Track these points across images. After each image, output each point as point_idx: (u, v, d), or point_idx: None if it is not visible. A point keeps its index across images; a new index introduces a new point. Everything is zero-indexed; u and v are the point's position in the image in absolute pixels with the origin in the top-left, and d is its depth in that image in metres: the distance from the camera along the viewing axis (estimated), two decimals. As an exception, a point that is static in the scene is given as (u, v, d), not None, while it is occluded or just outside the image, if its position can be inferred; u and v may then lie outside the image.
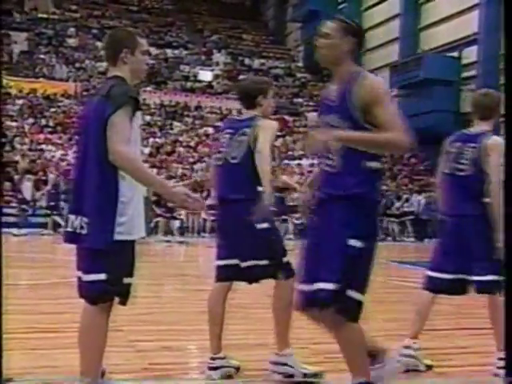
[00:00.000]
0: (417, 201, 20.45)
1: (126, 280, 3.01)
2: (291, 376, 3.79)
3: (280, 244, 3.88)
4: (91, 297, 2.98)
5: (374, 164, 2.94)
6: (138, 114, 3.03)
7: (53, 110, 24.15)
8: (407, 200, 20.48)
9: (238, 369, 3.85)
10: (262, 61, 33.44)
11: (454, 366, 4.19)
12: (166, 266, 10.96)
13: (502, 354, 3.62)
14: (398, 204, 20.15)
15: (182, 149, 23.02)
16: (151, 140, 22.81)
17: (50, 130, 22.58)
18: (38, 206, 16.86)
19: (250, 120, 3.87)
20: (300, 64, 34.86)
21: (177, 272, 9.66)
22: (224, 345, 3.84)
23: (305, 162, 23.20)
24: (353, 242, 2.87)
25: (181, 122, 26.00)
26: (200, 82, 30.17)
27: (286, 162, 22.95)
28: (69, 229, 3.03)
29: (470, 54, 23.84)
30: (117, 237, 2.93)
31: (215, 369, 3.76)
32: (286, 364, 3.81)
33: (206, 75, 30.79)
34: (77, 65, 28.52)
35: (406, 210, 20.11)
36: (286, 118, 28.38)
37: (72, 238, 3.01)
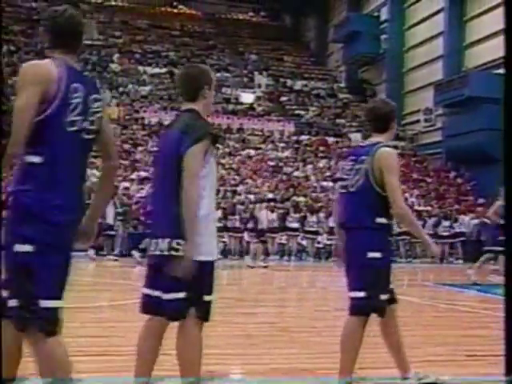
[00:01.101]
0: (466, 222, 20.01)
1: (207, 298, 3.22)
2: None
3: (387, 273, 3.78)
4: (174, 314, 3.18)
5: None
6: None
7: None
8: (456, 220, 20.05)
9: None
10: (304, 82, 33.54)
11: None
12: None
13: None
14: (446, 224, 19.70)
15: (224, 171, 23.17)
16: (194, 163, 22.98)
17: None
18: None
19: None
20: (342, 84, 34.85)
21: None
22: (271, 368, 3.80)
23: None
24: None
25: (223, 144, 26.21)
26: (242, 104, 30.42)
27: (330, 183, 22.83)
28: (156, 252, 3.20)
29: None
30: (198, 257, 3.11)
31: None
32: None
33: (247, 97, 31.03)
34: (120, 89, 29.10)
35: (456, 230, 19.66)
36: (329, 139, 28.32)
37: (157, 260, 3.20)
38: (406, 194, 22.96)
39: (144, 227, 16.28)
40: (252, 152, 25.52)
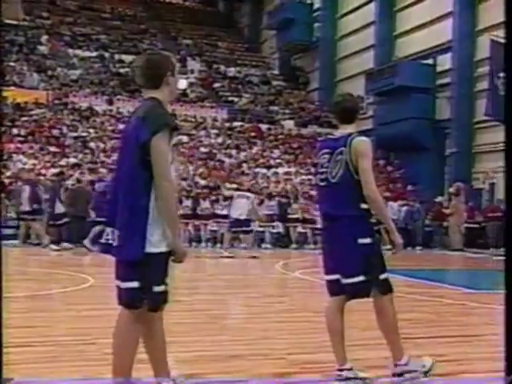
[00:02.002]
0: (396, 208, 20.47)
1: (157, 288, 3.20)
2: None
3: (379, 260, 3.95)
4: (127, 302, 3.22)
5: None
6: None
7: (24, 118, 23.90)
8: (385, 207, 20.52)
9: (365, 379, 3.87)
10: (238, 68, 33.50)
11: (433, 374, 4.21)
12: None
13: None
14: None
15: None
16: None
17: (20, 139, 22.33)
18: (9, 217, 16.56)
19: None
20: (275, 72, 35.00)
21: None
22: (198, 356, 3.81)
23: (281, 170, 23.26)
24: None
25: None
26: (174, 89, 30.09)
27: (263, 170, 22.97)
28: (108, 241, 3.23)
29: (445, 61, 24.14)
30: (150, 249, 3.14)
31: (344, 380, 3.82)
32: (409, 371, 3.88)
33: (180, 83, 30.71)
34: (49, 72, 28.28)
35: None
36: (262, 126, 28.44)
37: (108, 249, 3.23)
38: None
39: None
40: (184, 138, 25.34)
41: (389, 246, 5.00)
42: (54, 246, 14.62)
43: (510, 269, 2.57)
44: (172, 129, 3.23)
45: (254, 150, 25.65)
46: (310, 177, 21.59)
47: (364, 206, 3.85)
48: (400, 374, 3.87)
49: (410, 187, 22.75)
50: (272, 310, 6.96)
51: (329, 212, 3.99)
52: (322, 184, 4.03)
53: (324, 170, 3.99)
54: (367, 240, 3.85)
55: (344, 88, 30.65)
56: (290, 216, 18.84)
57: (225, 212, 16.54)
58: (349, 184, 3.86)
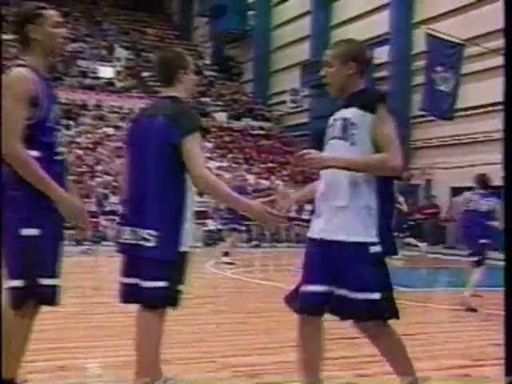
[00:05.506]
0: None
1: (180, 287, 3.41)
2: None
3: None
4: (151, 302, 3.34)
5: None
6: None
7: None
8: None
9: None
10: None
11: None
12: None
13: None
14: (309, 207, 20.45)
15: (79, 151, 22.53)
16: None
17: None
18: None
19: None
20: (207, 61, 34.94)
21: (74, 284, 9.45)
22: (128, 360, 3.79)
23: (212, 164, 23.27)
24: None
25: (78, 122, 25.45)
26: (100, 78, 29.66)
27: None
28: (127, 241, 3.36)
29: (382, 54, 24.62)
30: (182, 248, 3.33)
31: None
32: None
33: (106, 71, 30.30)
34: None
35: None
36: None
37: (128, 249, 3.37)
38: (273, 177, 23.59)
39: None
40: (111, 130, 25.01)
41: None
42: None
43: (510, 269, 2.68)
44: (203, 131, 3.42)
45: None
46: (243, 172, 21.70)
47: None
48: None
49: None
50: (202, 311, 7.00)
51: None
52: None
53: None
54: None
55: (279, 80, 30.97)
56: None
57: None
58: None
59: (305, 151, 3.23)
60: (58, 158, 3.28)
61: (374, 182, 3.24)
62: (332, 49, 3.37)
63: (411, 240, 15.74)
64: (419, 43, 22.03)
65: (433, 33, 18.59)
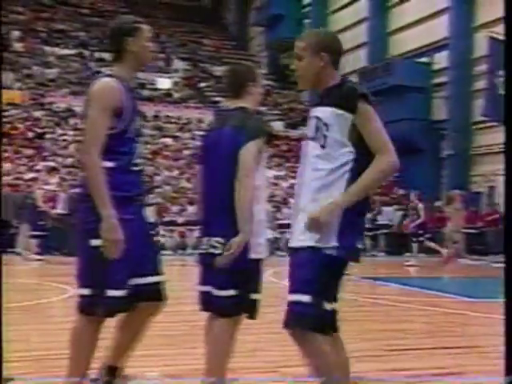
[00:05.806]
0: (391, 213, 20.55)
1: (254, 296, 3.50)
2: None
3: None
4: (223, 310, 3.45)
5: None
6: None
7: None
8: (380, 212, 20.55)
9: None
10: (224, 67, 33.49)
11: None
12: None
13: None
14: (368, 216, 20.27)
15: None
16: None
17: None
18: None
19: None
20: (264, 70, 35.02)
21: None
22: (191, 369, 3.79)
23: (270, 173, 23.27)
24: None
25: (137, 132, 25.81)
26: (158, 89, 30.11)
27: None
28: (206, 250, 3.46)
29: (441, 59, 24.26)
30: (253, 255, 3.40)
31: None
32: None
33: (164, 83, 30.74)
34: (24, 71, 28.19)
35: (380, 223, 20.16)
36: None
37: (207, 259, 3.46)
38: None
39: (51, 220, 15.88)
40: (169, 141, 25.34)
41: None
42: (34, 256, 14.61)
43: (510, 269, 2.63)
44: (268, 135, 3.56)
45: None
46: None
47: None
48: None
49: (401, 191, 22.86)
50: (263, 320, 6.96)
51: None
52: None
53: None
54: None
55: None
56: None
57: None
58: None
59: None
60: (135, 168, 3.35)
61: (342, 184, 2.93)
62: (301, 40, 3.05)
63: (431, 244, 15.62)
64: (480, 47, 21.62)
65: (496, 36, 18.20)
